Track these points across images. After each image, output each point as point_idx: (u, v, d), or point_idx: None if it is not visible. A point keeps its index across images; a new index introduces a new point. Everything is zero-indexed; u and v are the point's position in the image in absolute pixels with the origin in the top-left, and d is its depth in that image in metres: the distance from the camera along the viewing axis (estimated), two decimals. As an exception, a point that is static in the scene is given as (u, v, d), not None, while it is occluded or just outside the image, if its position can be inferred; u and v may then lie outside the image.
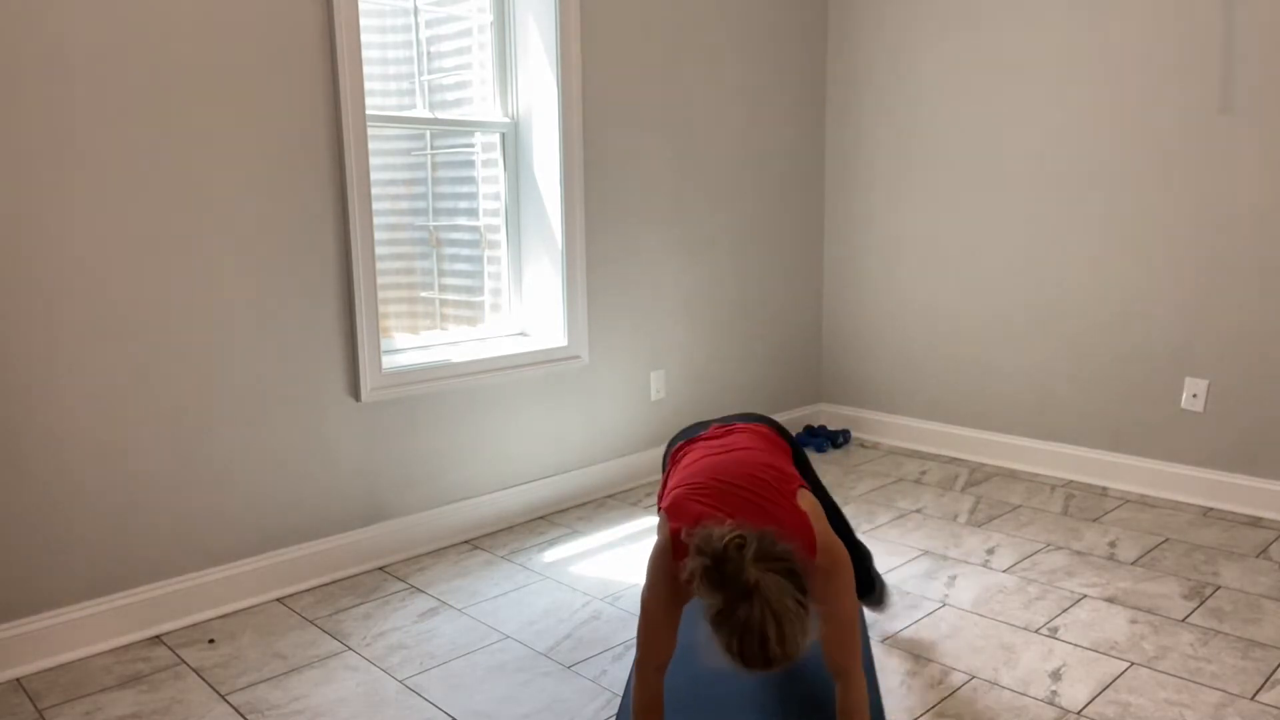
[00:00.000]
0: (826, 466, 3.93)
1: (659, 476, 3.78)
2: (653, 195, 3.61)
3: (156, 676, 2.30)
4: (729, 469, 1.84)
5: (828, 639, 1.75)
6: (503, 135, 3.33)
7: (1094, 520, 3.25)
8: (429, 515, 3.06)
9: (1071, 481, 3.68)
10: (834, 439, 4.20)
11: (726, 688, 2.19)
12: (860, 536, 3.13)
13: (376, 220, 3.01)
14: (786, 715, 2.07)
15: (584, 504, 3.50)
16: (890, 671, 2.26)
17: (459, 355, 3.11)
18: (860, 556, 2.38)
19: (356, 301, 2.80)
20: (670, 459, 2.11)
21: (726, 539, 1.54)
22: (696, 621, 1.74)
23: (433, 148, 3.17)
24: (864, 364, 4.34)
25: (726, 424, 2.13)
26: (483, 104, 3.29)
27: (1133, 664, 2.27)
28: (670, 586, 1.76)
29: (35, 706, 2.17)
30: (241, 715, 2.12)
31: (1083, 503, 3.43)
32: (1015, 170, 3.73)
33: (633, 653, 2.37)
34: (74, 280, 2.31)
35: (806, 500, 1.80)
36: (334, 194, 2.74)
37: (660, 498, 1.92)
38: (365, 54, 2.92)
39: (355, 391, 2.84)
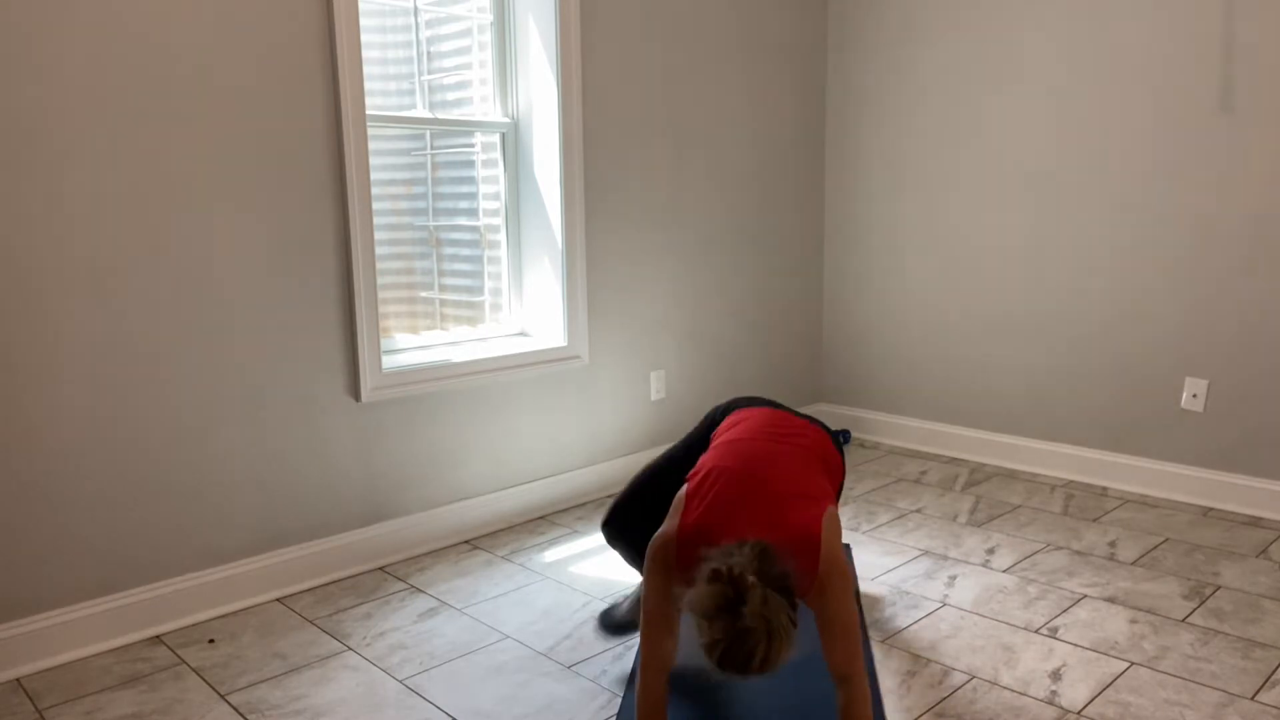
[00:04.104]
0: (826, 466, 3.93)
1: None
2: (653, 195, 3.61)
3: (156, 676, 2.30)
4: (763, 470, 1.85)
5: (829, 646, 1.74)
6: (503, 135, 3.33)
7: (1094, 520, 3.25)
8: (429, 515, 3.06)
9: (1071, 481, 3.68)
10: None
11: (725, 692, 2.19)
12: (861, 536, 3.13)
13: (376, 220, 3.01)
14: (785, 716, 2.07)
15: (584, 504, 3.50)
16: (890, 671, 2.26)
17: (459, 355, 3.11)
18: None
19: (356, 301, 2.80)
20: (716, 421, 2.18)
21: (725, 579, 1.55)
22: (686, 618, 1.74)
23: (433, 148, 3.17)
24: (864, 364, 4.33)
25: (784, 429, 2.08)
26: (483, 104, 3.29)
27: (1133, 664, 2.27)
28: (667, 581, 1.76)
29: (35, 706, 2.17)
30: (241, 715, 2.12)
31: (1083, 503, 3.43)
32: (1015, 170, 3.73)
33: (633, 652, 2.37)
34: (72, 281, 2.31)
35: (830, 517, 1.80)
36: (334, 194, 2.74)
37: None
38: (365, 54, 2.92)
39: (355, 391, 2.84)
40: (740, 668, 1.53)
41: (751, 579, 1.53)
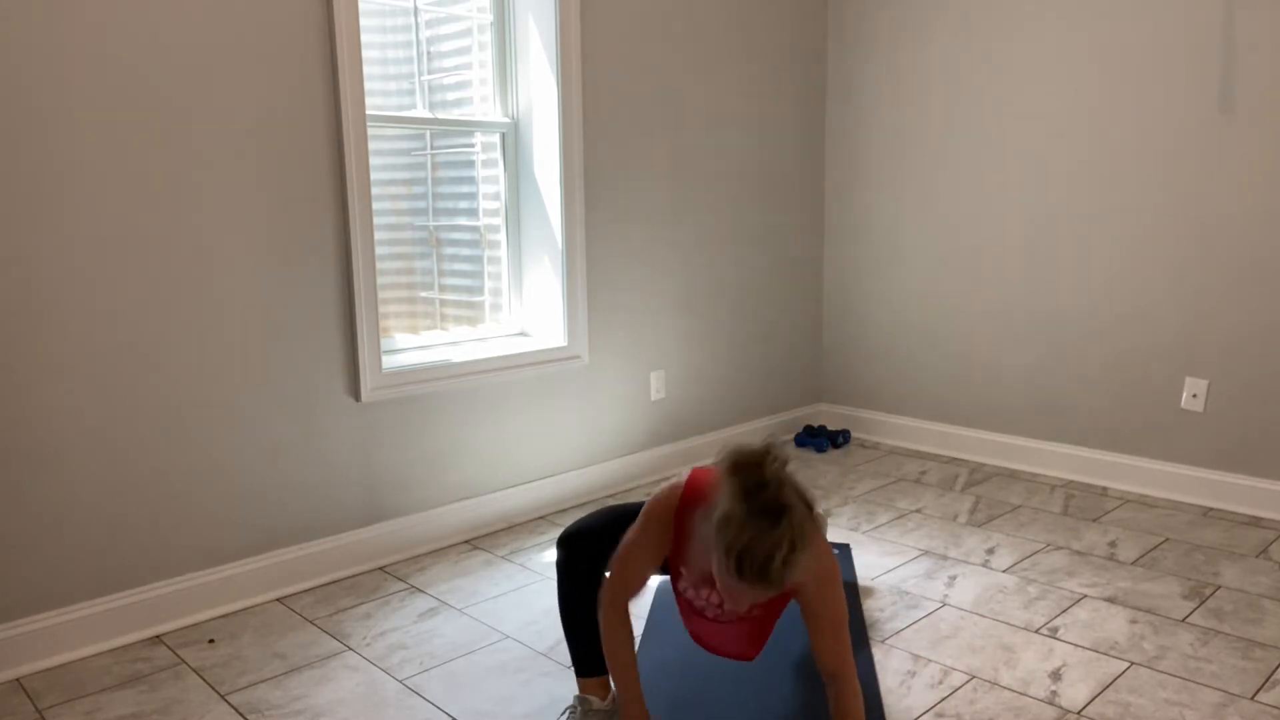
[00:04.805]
0: (826, 467, 3.93)
1: (658, 477, 3.78)
2: (653, 195, 3.61)
3: (156, 676, 2.30)
4: None
5: (819, 643, 1.75)
6: (503, 135, 3.33)
7: (1094, 520, 3.25)
8: (429, 515, 3.06)
9: (1071, 481, 3.68)
10: (834, 439, 4.20)
11: (723, 693, 2.19)
12: (861, 536, 3.13)
13: (376, 220, 3.01)
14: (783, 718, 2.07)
15: (584, 504, 3.50)
16: (890, 671, 2.26)
17: (459, 355, 3.11)
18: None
19: (356, 301, 2.80)
20: None
21: (769, 454, 1.55)
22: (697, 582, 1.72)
23: (433, 148, 3.17)
24: (864, 364, 4.33)
25: None
26: (483, 104, 3.29)
27: (1133, 664, 2.27)
28: (662, 533, 1.77)
29: (35, 706, 2.17)
30: (241, 715, 2.12)
31: (1083, 503, 3.43)
32: (1015, 170, 3.73)
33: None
34: (73, 281, 2.31)
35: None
36: (334, 194, 2.74)
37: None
38: (365, 54, 2.92)
39: (355, 391, 2.84)
40: (761, 569, 1.49)
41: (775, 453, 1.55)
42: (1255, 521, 3.20)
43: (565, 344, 3.36)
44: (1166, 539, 3.06)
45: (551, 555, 3.01)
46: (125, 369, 2.41)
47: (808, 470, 3.88)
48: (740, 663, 2.29)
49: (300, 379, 2.73)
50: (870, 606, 2.61)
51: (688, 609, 1.88)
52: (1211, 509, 3.33)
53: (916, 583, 2.77)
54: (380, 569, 2.93)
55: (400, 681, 2.26)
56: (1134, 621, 2.49)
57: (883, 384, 4.28)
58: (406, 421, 2.97)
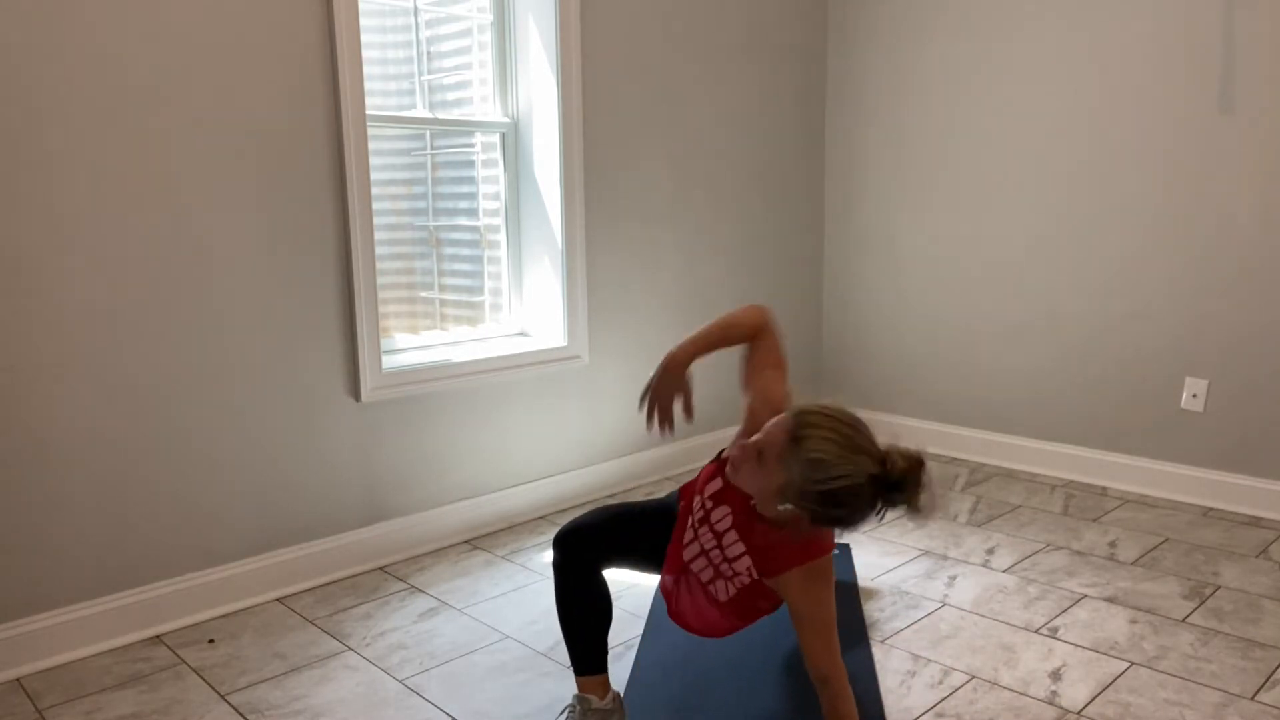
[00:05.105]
0: (826, 466, 3.92)
1: (659, 476, 3.78)
2: (653, 195, 3.61)
3: (156, 676, 2.30)
4: None
5: (807, 645, 1.77)
6: (503, 135, 3.33)
7: (1094, 520, 3.25)
8: (429, 515, 3.06)
9: (1071, 481, 3.68)
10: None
11: (723, 691, 2.19)
12: (861, 536, 3.13)
13: (376, 220, 3.01)
14: (783, 715, 2.08)
15: (584, 504, 3.50)
16: (890, 671, 2.26)
17: (459, 355, 3.11)
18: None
19: (356, 301, 2.80)
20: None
21: (919, 486, 1.62)
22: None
23: (433, 148, 3.17)
24: (864, 364, 4.33)
25: None
26: (483, 104, 3.29)
27: (1133, 664, 2.27)
28: (765, 390, 1.98)
29: (35, 706, 2.17)
30: (241, 715, 2.12)
31: (1083, 503, 3.43)
32: (1015, 171, 3.73)
33: (633, 653, 2.37)
34: (73, 281, 2.31)
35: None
36: (334, 194, 2.74)
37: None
38: (365, 54, 2.92)
39: (355, 391, 2.84)
40: (797, 422, 1.61)
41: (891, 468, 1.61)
42: (1255, 521, 3.20)
43: (565, 344, 3.36)
44: (1166, 539, 3.06)
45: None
46: (125, 370, 2.41)
47: (808, 470, 3.87)
48: (740, 663, 2.29)
49: (300, 379, 2.73)
50: (870, 606, 2.61)
51: (678, 552, 1.92)
52: (1211, 509, 3.33)
53: (916, 583, 2.77)
54: (380, 569, 2.93)
55: (400, 681, 2.26)
56: (1134, 621, 2.49)
57: (883, 384, 4.28)
58: (406, 421, 2.97)
